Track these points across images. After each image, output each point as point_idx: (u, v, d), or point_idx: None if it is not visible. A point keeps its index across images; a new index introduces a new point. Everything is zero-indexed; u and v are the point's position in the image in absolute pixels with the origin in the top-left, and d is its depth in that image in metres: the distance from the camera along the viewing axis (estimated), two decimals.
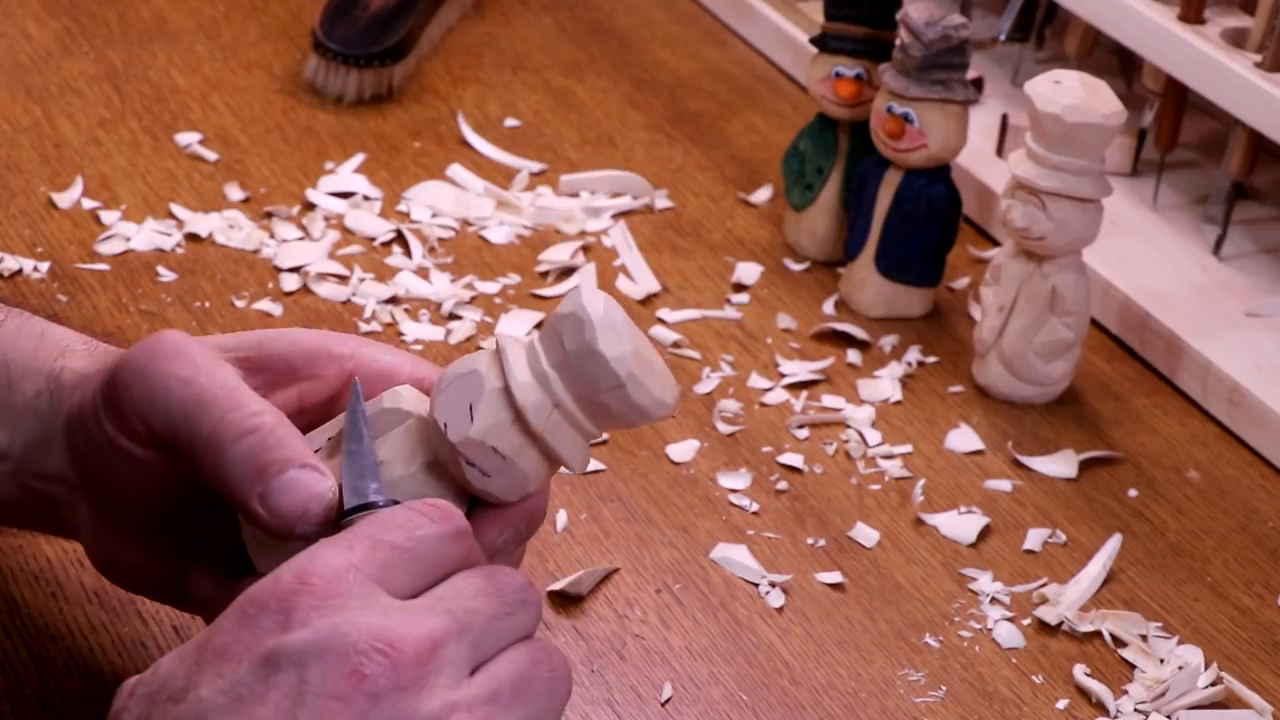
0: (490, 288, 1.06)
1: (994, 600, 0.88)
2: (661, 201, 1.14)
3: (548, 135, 1.20)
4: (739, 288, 1.08)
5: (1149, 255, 1.10)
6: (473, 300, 1.04)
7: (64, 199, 1.09)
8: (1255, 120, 1.04)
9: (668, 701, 0.82)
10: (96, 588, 0.82)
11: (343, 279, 1.05)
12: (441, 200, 1.12)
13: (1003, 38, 1.22)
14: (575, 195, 1.14)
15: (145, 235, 1.07)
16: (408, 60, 1.23)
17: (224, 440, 0.67)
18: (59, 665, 0.80)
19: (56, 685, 0.79)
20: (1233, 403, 1.00)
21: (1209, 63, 1.05)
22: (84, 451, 0.71)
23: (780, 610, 0.87)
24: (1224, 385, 1.00)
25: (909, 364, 1.03)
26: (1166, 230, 1.12)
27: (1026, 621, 0.87)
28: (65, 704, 0.78)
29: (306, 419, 0.73)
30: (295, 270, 1.05)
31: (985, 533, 0.92)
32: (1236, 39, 1.07)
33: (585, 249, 1.09)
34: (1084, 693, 0.84)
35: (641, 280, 1.07)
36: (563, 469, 0.70)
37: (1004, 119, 1.17)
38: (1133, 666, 0.85)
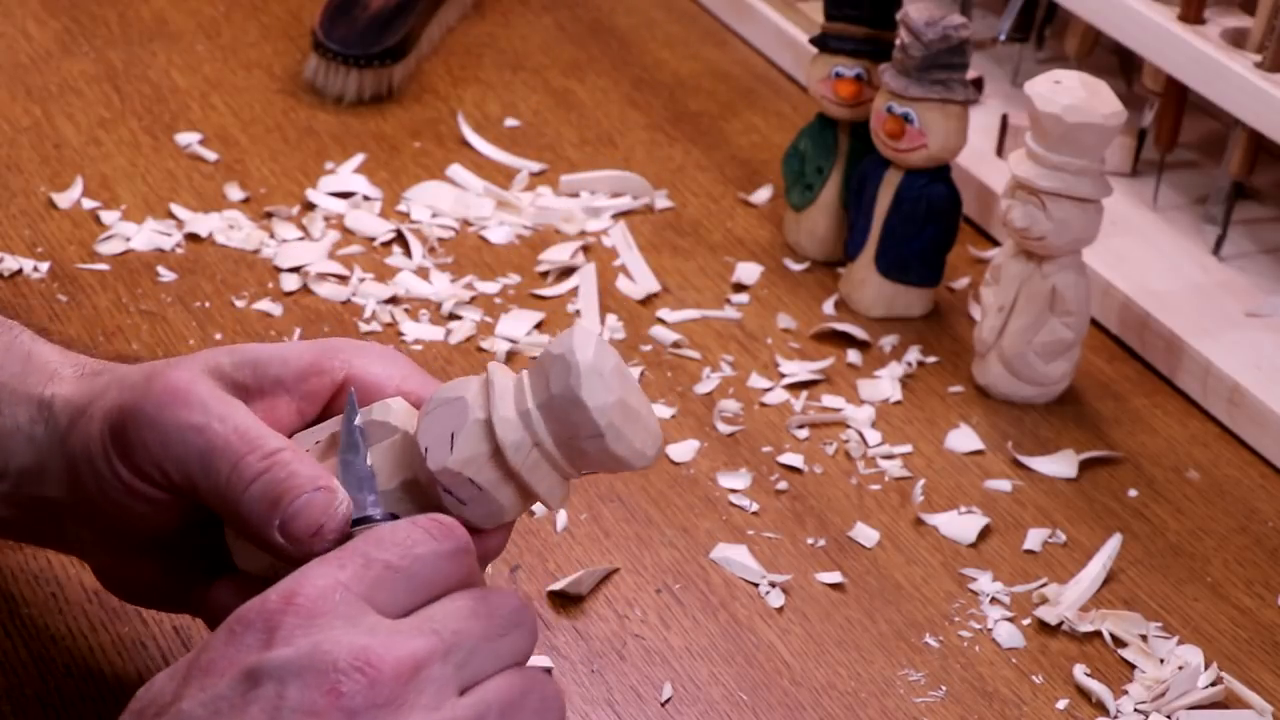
0: (490, 288, 1.06)
1: (994, 600, 0.88)
2: (661, 201, 1.14)
3: (548, 135, 1.20)
4: (739, 288, 1.08)
5: (1149, 255, 1.10)
6: (473, 300, 1.04)
7: (64, 199, 1.09)
8: (1255, 120, 1.04)
9: (668, 701, 0.82)
10: (96, 588, 0.82)
11: (343, 279, 1.05)
12: (441, 200, 1.12)
13: (1003, 38, 1.22)
14: (575, 195, 1.14)
15: (145, 235, 1.07)
16: (408, 60, 1.23)
17: (240, 486, 0.68)
18: (59, 665, 0.80)
19: (56, 685, 0.79)
20: (1233, 403, 1.00)
21: (1209, 63, 1.05)
22: (93, 489, 0.71)
23: (780, 610, 0.87)
24: (1224, 385, 1.00)
25: (909, 364, 1.03)
26: (1166, 230, 1.12)
27: (1026, 621, 0.87)
28: (65, 704, 0.78)
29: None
30: (295, 270, 1.05)
31: (985, 533, 0.92)
32: (1236, 39, 1.07)
33: (585, 249, 1.09)
34: (1084, 693, 0.84)
35: (641, 280, 1.07)
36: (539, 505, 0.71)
37: (1004, 119, 1.17)
38: (1133, 666, 0.85)
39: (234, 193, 1.11)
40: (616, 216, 1.13)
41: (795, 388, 1.00)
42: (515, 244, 1.10)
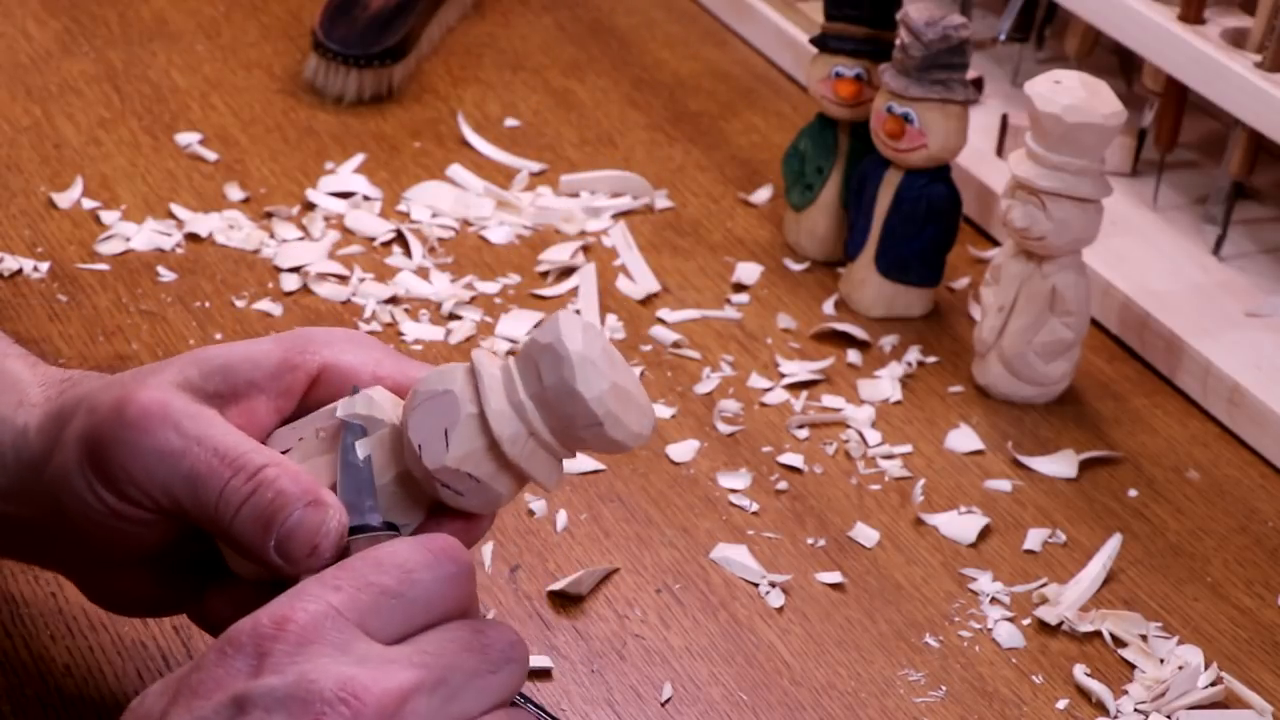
0: (490, 288, 1.05)
1: (994, 600, 0.88)
2: (661, 201, 1.14)
3: (548, 135, 1.20)
4: (739, 288, 1.08)
5: (1149, 255, 1.10)
6: (473, 300, 1.04)
7: (64, 199, 1.09)
8: (1255, 120, 1.04)
9: (668, 701, 0.82)
10: None
11: (343, 279, 1.05)
12: (441, 200, 1.12)
13: (1003, 38, 1.22)
14: (575, 195, 1.14)
15: (145, 235, 1.07)
16: (408, 60, 1.23)
17: (228, 513, 0.68)
18: (59, 665, 0.80)
19: (56, 685, 0.79)
20: (1233, 403, 1.00)
21: (1209, 63, 1.05)
22: (77, 514, 0.70)
23: (780, 610, 0.87)
24: (1224, 385, 1.00)
25: (909, 364, 1.03)
26: (1166, 230, 1.12)
27: (1026, 621, 0.87)
28: (65, 704, 0.78)
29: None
30: (295, 270, 1.05)
31: (985, 533, 0.92)
32: (1236, 39, 1.07)
33: (585, 249, 1.09)
34: (1084, 693, 0.84)
35: (641, 280, 1.07)
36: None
37: (1004, 119, 1.17)
38: (1133, 666, 0.85)
39: (234, 193, 1.11)
40: (616, 216, 1.13)
41: (795, 388, 1.00)
42: (515, 244, 1.10)
